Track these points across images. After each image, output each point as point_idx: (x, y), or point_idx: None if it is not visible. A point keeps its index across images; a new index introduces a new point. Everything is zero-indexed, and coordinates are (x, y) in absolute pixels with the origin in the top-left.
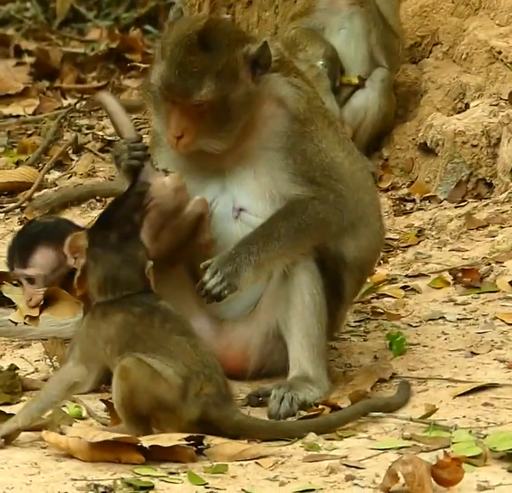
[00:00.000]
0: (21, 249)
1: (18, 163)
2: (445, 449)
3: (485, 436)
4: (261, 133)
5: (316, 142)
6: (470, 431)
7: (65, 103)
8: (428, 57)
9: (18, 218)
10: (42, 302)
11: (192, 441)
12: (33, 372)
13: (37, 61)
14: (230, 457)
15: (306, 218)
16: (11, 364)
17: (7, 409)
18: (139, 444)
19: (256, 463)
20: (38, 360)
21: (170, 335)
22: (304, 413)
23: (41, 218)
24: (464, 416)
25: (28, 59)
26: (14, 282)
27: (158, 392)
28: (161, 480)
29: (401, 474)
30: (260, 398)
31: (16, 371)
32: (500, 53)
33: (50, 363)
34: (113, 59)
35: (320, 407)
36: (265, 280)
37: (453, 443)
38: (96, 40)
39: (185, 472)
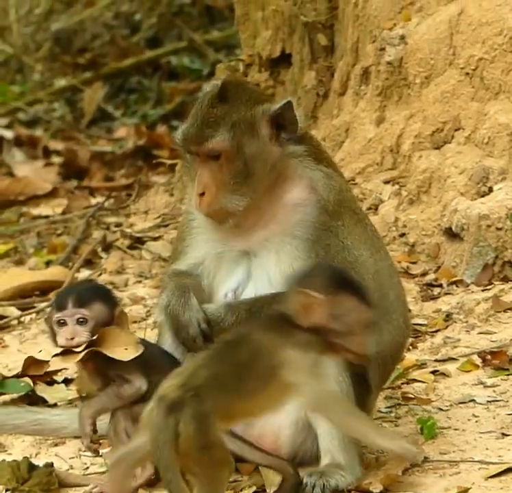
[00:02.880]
0: (83, 292)
1: (48, 264)
2: None
3: None
4: (290, 220)
5: (341, 238)
6: None
7: (93, 201)
8: (450, 143)
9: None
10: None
11: None
12: (67, 470)
13: (65, 161)
14: None
15: None
16: (47, 462)
17: None
18: None
19: None
20: (73, 457)
21: None
22: None
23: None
24: None
25: (56, 160)
26: (48, 380)
27: None
28: None
29: None
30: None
31: (52, 468)
32: None
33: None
34: (140, 157)
35: (352, 492)
36: None
37: None
38: (123, 137)
39: None
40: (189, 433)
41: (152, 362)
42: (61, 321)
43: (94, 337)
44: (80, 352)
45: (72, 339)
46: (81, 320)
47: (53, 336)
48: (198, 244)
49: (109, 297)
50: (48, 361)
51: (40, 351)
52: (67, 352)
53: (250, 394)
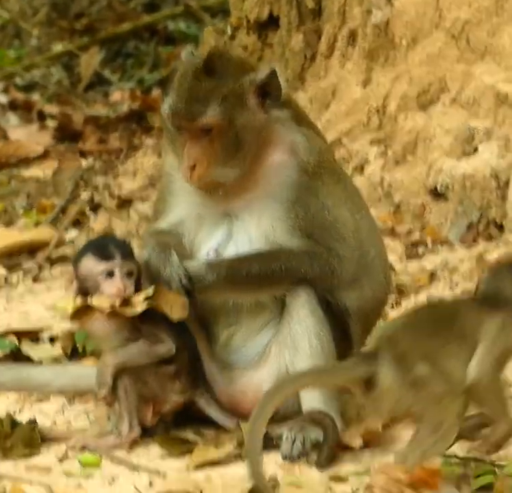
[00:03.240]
0: (126, 245)
1: (37, 224)
2: None
3: None
4: (271, 182)
5: (321, 198)
6: None
7: (84, 163)
8: (436, 104)
9: (33, 278)
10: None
11: None
12: (51, 426)
13: (59, 125)
14: None
15: (285, 269)
16: (31, 418)
17: (25, 462)
18: None
19: None
20: (56, 413)
21: None
22: None
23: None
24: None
25: (51, 123)
26: (33, 338)
27: None
28: None
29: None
30: (274, 441)
31: (35, 424)
32: (506, 96)
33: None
34: (134, 120)
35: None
36: (272, 327)
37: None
38: (118, 101)
39: None
40: (391, 376)
41: (176, 326)
42: (109, 272)
43: (151, 291)
44: (137, 306)
45: (124, 290)
46: (130, 272)
47: (84, 288)
48: (179, 205)
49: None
50: (100, 309)
51: (90, 296)
52: (123, 303)
53: (441, 348)
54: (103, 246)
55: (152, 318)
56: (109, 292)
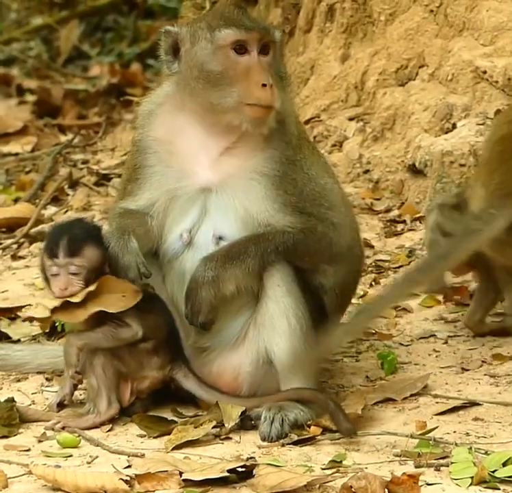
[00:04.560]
0: (73, 240)
1: (16, 201)
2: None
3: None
4: (259, 155)
5: (306, 170)
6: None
7: (63, 138)
8: (414, 80)
9: (11, 256)
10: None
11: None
12: (29, 405)
13: (38, 100)
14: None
15: (283, 250)
16: (9, 397)
17: (4, 442)
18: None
19: None
20: (35, 393)
21: None
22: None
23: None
24: (454, 431)
25: (30, 98)
26: (12, 316)
27: None
28: None
29: (354, 488)
30: (252, 422)
31: (14, 403)
32: (484, 72)
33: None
34: (114, 95)
35: (312, 428)
36: (249, 308)
37: (452, 462)
38: (97, 76)
39: None
40: None
41: (147, 305)
42: (55, 270)
43: (93, 288)
44: (81, 307)
45: (65, 289)
46: (75, 270)
47: (47, 281)
48: (151, 185)
49: (100, 238)
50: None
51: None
52: (66, 305)
53: None
54: (54, 242)
55: None
56: (55, 292)
